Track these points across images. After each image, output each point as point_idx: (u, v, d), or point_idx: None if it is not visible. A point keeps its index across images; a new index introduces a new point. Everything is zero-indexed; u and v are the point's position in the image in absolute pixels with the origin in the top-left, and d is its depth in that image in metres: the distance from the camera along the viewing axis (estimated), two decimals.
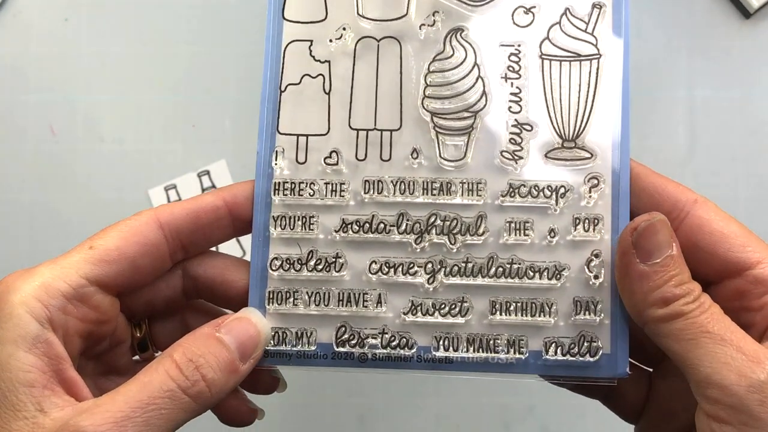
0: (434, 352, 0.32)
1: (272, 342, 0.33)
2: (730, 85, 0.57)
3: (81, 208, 0.58)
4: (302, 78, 0.34)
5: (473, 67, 0.34)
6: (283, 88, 0.34)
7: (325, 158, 0.34)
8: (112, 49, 0.59)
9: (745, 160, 0.56)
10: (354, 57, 0.34)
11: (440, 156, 0.33)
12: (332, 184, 0.33)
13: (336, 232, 0.33)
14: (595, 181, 0.33)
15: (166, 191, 0.58)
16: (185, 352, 0.29)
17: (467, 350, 0.32)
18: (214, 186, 0.55)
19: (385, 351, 0.32)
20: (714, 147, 0.56)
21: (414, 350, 0.32)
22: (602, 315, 0.32)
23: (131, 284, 0.32)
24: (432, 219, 0.33)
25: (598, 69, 0.33)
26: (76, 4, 0.60)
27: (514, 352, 0.32)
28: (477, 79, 0.34)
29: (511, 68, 0.33)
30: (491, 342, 0.32)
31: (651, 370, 0.35)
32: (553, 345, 0.32)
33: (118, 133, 0.58)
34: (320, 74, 0.34)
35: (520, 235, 0.33)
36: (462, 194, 0.33)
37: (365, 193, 0.33)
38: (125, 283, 0.32)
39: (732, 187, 0.56)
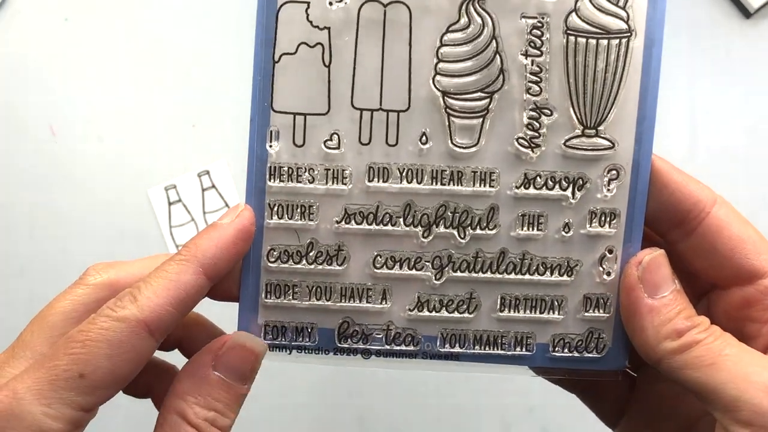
0: (439, 348, 0.32)
1: (270, 335, 0.31)
2: (730, 84, 0.56)
3: (81, 208, 0.58)
4: (298, 47, 0.30)
5: (491, 41, 0.30)
6: (277, 59, 0.30)
7: (325, 141, 0.31)
8: (112, 49, 0.58)
9: (745, 159, 0.55)
10: (357, 24, 0.30)
11: (451, 141, 0.31)
12: (333, 170, 0.31)
13: (338, 222, 0.31)
14: (615, 173, 0.31)
15: (166, 191, 0.58)
16: (197, 413, 0.27)
17: (474, 347, 0.31)
18: (214, 186, 0.53)
19: (389, 347, 0.31)
20: (714, 147, 0.56)
21: (419, 347, 0.32)
22: (611, 311, 0.31)
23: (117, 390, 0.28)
24: (441, 211, 0.31)
25: (627, 49, 0.30)
26: (76, 4, 0.59)
27: (522, 349, 0.31)
28: (495, 55, 0.30)
29: (532, 43, 0.30)
30: (498, 338, 0.31)
31: (635, 375, 0.35)
32: (561, 341, 0.31)
33: (118, 133, 0.58)
34: (319, 43, 0.30)
35: (533, 229, 0.31)
36: (473, 184, 0.31)
37: (369, 181, 0.31)
38: (113, 393, 0.28)
39: (732, 187, 0.55)
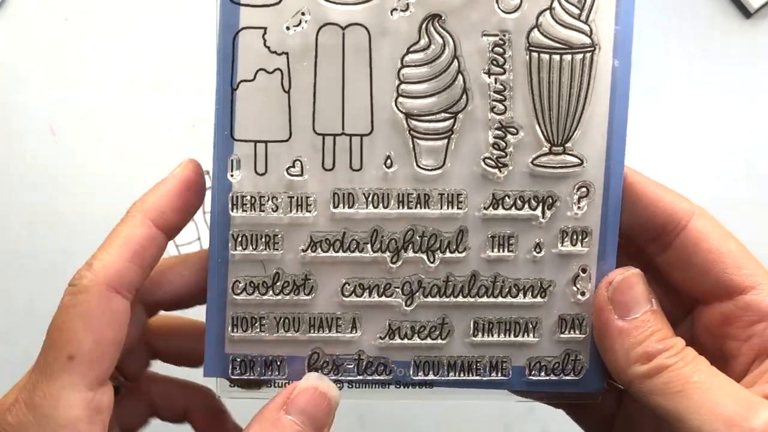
0: (413, 376, 0.31)
1: (238, 370, 0.31)
2: (730, 84, 0.55)
3: (81, 208, 0.57)
4: (257, 73, 0.30)
5: (452, 60, 0.30)
6: (235, 86, 0.30)
7: (287, 168, 0.30)
8: (112, 49, 0.58)
9: (745, 159, 0.55)
10: (316, 48, 0.29)
11: (416, 163, 0.30)
12: (297, 197, 0.30)
13: (304, 251, 0.30)
14: (585, 191, 0.30)
15: None
16: None
17: (448, 373, 0.31)
18: None
19: (361, 377, 0.31)
20: (714, 147, 0.56)
21: (392, 375, 0.31)
22: (587, 331, 0.31)
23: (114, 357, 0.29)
24: (409, 235, 0.30)
25: (592, 63, 0.30)
26: (76, 4, 0.58)
27: (497, 374, 0.31)
28: (457, 74, 0.30)
29: (495, 62, 0.30)
30: (473, 364, 0.31)
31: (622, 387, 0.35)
32: (537, 364, 0.31)
33: (118, 133, 0.57)
34: (277, 69, 0.30)
35: (503, 250, 0.30)
36: (441, 206, 0.30)
37: (335, 207, 0.30)
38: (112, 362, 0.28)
39: (732, 187, 0.55)
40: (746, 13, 0.57)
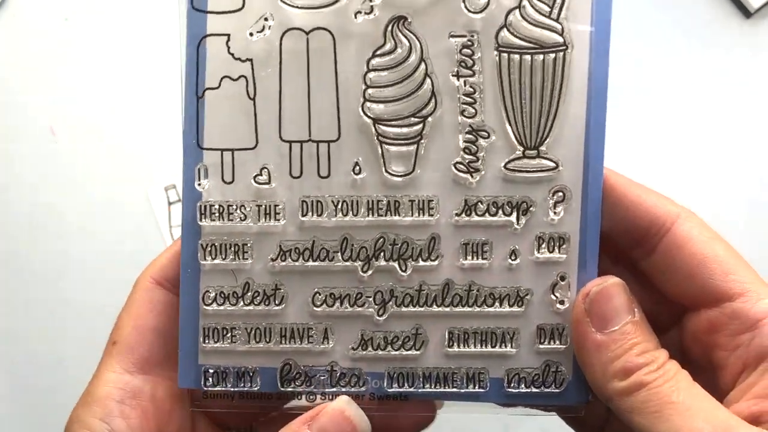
0: (387, 389, 0.30)
1: (211, 381, 0.30)
2: (730, 84, 0.54)
3: (81, 208, 0.57)
4: (221, 81, 0.29)
5: (419, 63, 0.29)
6: (200, 94, 0.29)
7: (255, 176, 0.29)
8: (112, 49, 0.58)
9: (746, 159, 0.53)
10: (280, 54, 0.29)
11: (386, 169, 0.29)
12: (265, 206, 0.29)
13: (273, 260, 0.30)
14: (561, 195, 0.29)
15: (166, 191, 0.58)
16: None
17: (423, 385, 0.30)
18: None
19: (334, 389, 0.30)
20: (714, 146, 0.54)
21: (365, 387, 0.30)
22: (568, 341, 0.29)
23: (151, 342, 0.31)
24: (380, 243, 0.29)
25: (564, 63, 0.28)
26: (76, 4, 0.58)
27: (474, 386, 0.30)
28: (425, 78, 0.29)
29: (463, 63, 0.29)
30: (449, 375, 0.30)
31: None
32: (516, 376, 0.29)
33: (118, 133, 0.57)
34: (242, 76, 0.29)
35: (477, 258, 0.29)
36: (412, 213, 0.29)
37: (303, 215, 0.29)
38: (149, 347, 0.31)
39: (732, 187, 0.53)
40: (746, 13, 0.56)
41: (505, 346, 0.29)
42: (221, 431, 0.32)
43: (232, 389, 0.30)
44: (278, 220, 0.29)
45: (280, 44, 0.29)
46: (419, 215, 0.29)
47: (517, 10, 0.28)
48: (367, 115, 0.29)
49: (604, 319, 0.27)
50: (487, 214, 0.29)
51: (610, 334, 0.27)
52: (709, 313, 0.27)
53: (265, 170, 0.29)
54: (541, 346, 0.29)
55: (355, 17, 0.29)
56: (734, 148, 0.55)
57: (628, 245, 0.29)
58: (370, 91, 0.29)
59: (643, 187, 0.29)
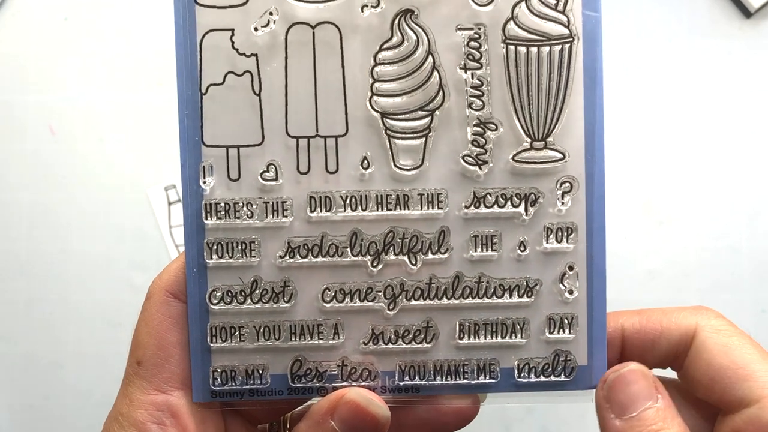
0: (399, 382, 0.30)
1: (220, 381, 0.30)
2: (730, 84, 0.55)
3: (81, 208, 0.57)
4: (225, 76, 0.29)
5: (427, 56, 0.29)
6: (203, 90, 0.29)
7: (261, 173, 0.29)
8: (112, 49, 0.58)
9: (746, 159, 0.55)
10: (286, 48, 0.29)
11: (394, 163, 0.29)
12: (272, 202, 0.29)
13: (281, 257, 0.29)
14: (568, 185, 0.29)
15: (166, 191, 0.58)
16: None
17: (435, 378, 0.30)
18: None
19: (345, 384, 0.30)
20: (714, 146, 0.55)
21: (377, 381, 0.30)
22: (578, 330, 0.30)
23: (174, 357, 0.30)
24: (389, 237, 0.29)
25: (570, 54, 0.29)
26: (76, 4, 0.58)
27: (485, 377, 0.30)
28: (432, 71, 0.29)
29: (470, 56, 0.29)
30: (460, 367, 0.30)
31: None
32: (526, 366, 0.30)
33: (118, 133, 0.57)
34: (247, 71, 0.29)
35: (486, 250, 0.29)
36: (421, 207, 0.29)
37: (311, 211, 0.29)
38: (173, 364, 0.30)
39: (732, 187, 0.54)
40: (746, 13, 0.56)
41: (516, 337, 0.30)
42: (253, 427, 0.32)
43: (242, 388, 0.30)
44: (286, 216, 0.29)
45: (286, 39, 0.29)
46: (428, 208, 0.29)
47: (523, 3, 0.28)
48: (374, 109, 0.29)
49: (622, 405, 0.27)
50: (495, 206, 0.29)
51: (628, 420, 0.27)
52: (734, 419, 0.28)
53: (272, 166, 0.29)
54: (550, 336, 0.30)
55: (362, 11, 0.28)
56: (734, 148, 0.56)
57: (665, 364, 0.30)
58: (377, 84, 0.29)
59: (658, 309, 0.30)
